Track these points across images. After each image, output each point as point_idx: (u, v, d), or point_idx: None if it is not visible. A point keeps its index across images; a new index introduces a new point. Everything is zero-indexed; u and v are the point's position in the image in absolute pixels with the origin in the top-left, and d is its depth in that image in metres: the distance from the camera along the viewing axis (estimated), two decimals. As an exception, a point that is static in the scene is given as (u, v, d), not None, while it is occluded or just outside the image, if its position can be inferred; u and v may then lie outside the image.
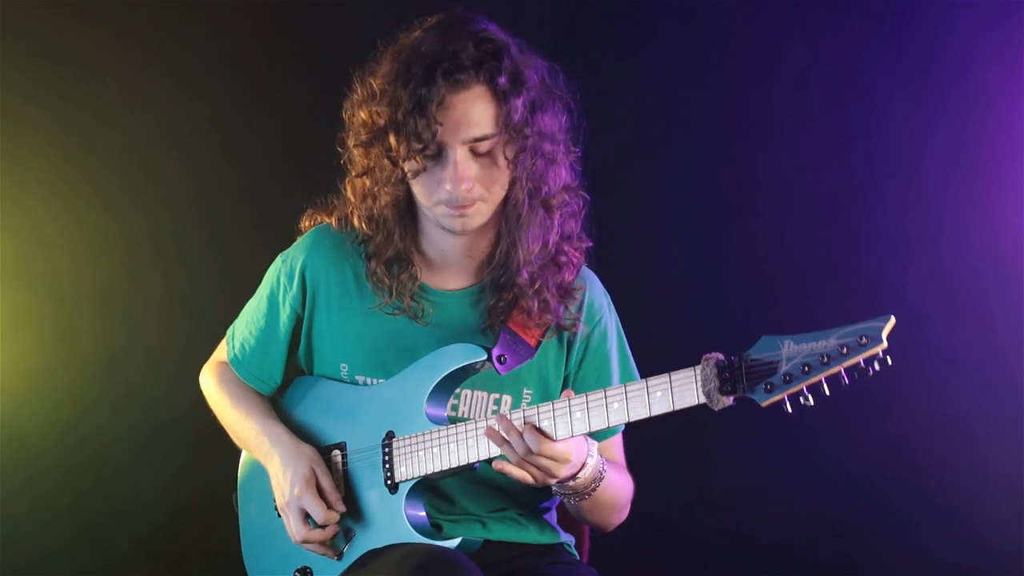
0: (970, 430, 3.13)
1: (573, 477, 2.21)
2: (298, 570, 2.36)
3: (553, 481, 2.19)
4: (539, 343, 2.35)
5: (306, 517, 2.29)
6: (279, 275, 2.44)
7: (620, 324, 2.50)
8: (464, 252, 2.37)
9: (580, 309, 2.40)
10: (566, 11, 3.29)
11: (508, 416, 2.15)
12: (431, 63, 2.21)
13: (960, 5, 3.11)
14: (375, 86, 2.27)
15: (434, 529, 2.28)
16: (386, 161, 2.28)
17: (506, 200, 2.32)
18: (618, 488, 2.37)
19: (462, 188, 2.23)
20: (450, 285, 2.39)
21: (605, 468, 2.27)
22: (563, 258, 2.37)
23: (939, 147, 3.15)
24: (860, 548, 3.20)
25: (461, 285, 2.40)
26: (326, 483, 2.30)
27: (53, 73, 3.30)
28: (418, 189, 2.29)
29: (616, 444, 2.48)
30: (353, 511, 2.31)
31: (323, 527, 2.28)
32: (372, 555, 2.24)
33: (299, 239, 2.47)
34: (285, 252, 2.47)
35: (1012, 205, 3.10)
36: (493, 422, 2.16)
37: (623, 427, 2.45)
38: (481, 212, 2.28)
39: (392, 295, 2.34)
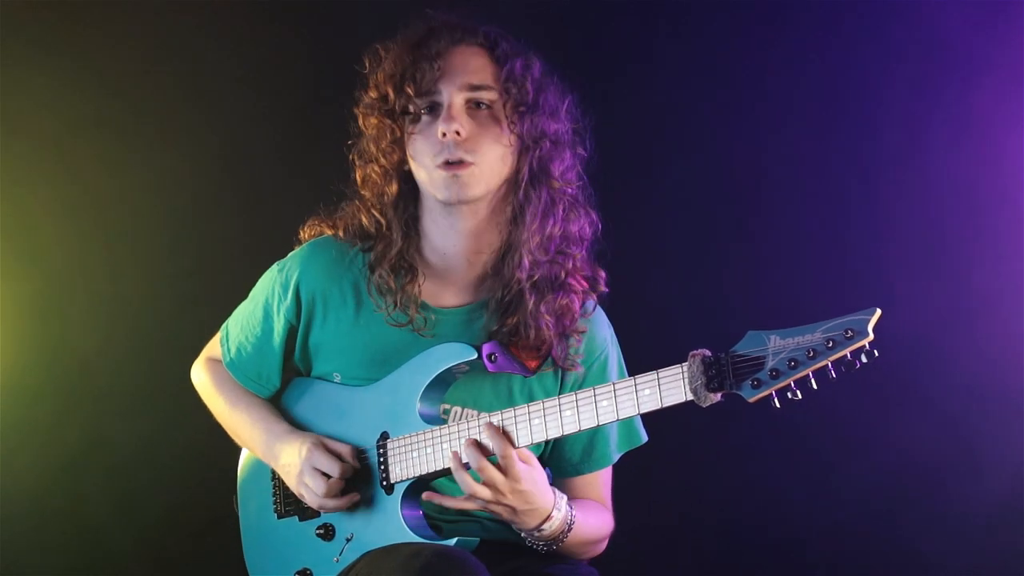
0: (970, 429, 3.11)
1: (539, 528, 2.23)
2: (298, 572, 2.37)
3: (521, 525, 2.22)
4: (538, 368, 2.34)
5: (321, 475, 2.28)
6: (274, 285, 2.44)
7: (622, 356, 2.50)
8: (465, 255, 2.35)
9: (579, 351, 2.38)
10: (564, 12, 3.29)
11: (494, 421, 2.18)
12: (434, 26, 2.32)
13: (959, 3, 3.10)
14: (382, 62, 2.34)
15: (432, 529, 2.28)
16: (387, 124, 2.31)
17: (510, 187, 2.31)
18: (589, 532, 2.37)
19: (453, 128, 2.23)
20: (448, 301, 2.38)
21: (575, 517, 2.28)
22: (566, 274, 2.34)
23: (939, 146, 3.14)
24: (859, 548, 3.19)
25: (460, 302, 2.38)
26: (333, 444, 2.31)
27: (53, 74, 3.31)
28: (418, 150, 2.29)
29: (603, 481, 2.48)
30: (350, 512, 2.32)
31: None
32: (375, 555, 2.23)
33: (296, 250, 2.46)
34: (281, 261, 2.46)
35: (1011, 203, 3.08)
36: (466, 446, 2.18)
37: (611, 463, 2.47)
38: (476, 178, 2.26)
39: (397, 305, 2.33)
